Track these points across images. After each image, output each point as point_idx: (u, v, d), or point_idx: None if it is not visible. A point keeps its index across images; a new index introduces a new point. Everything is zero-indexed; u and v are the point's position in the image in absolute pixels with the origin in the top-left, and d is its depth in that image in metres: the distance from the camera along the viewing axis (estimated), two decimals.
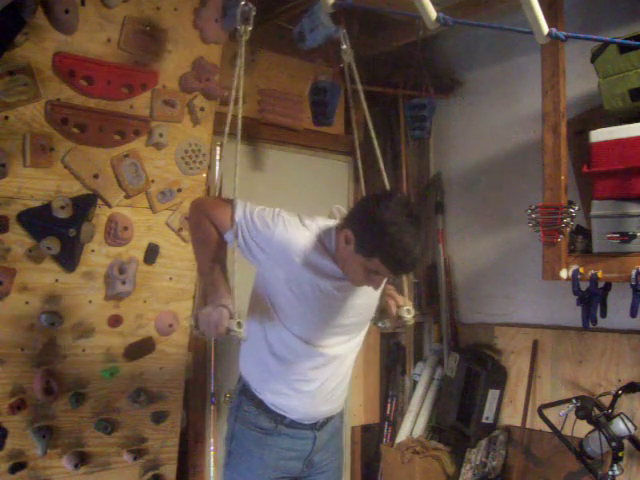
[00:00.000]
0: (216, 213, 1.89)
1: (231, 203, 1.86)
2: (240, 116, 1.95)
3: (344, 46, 2.30)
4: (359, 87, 2.23)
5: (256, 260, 1.87)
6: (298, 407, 1.96)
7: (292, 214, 1.88)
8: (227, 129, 1.97)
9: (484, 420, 3.33)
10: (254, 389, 1.98)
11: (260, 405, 1.97)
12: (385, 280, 1.94)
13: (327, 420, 2.05)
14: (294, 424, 1.97)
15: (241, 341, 1.89)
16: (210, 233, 1.89)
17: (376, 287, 1.86)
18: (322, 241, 1.84)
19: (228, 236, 1.86)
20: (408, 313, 2.02)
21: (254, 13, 2.01)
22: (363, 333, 2.08)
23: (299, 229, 1.84)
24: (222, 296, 1.84)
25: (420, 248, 1.75)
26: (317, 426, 2.02)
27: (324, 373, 1.96)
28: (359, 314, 1.98)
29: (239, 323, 1.79)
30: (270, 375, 1.95)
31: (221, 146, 3.11)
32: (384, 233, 1.69)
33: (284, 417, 1.96)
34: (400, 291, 2.13)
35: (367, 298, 1.97)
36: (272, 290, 1.90)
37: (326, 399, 2.00)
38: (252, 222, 1.83)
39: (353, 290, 1.90)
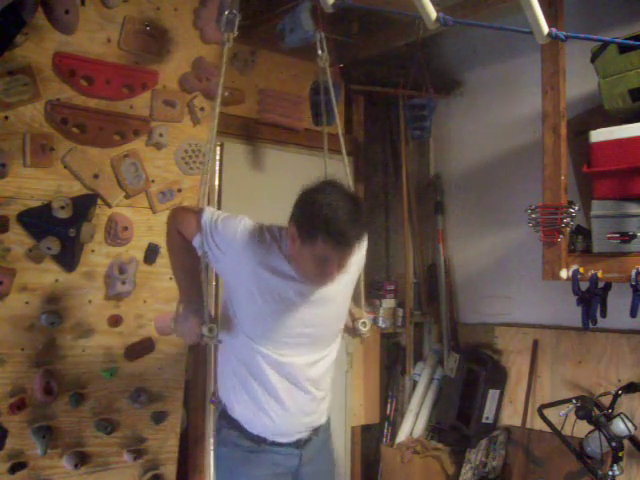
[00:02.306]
0: (184, 223, 1.97)
1: (199, 211, 1.92)
2: (217, 113, 2.04)
3: (320, 52, 2.29)
4: (332, 95, 2.28)
5: (218, 263, 1.90)
6: (275, 426, 1.91)
7: (254, 221, 1.92)
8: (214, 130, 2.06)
9: (484, 420, 3.33)
10: (230, 410, 1.95)
11: (238, 428, 1.93)
12: (344, 274, 1.88)
13: (310, 437, 1.99)
14: (276, 444, 1.93)
15: (217, 345, 1.94)
16: (177, 242, 1.99)
17: (331, 277, 1.80)
18: (280, 245, 1.86)
19: (195, 242, 1.91)
20: (364, 326, 2.11)
21: (238, 20, 2.07)
22: (334, 347, 2.02)
23: (259, 233, 1.86)
24: (193, 303, 1.94)
25: (361, 221, 1.78)
26: (301, 443, 1.97)
27: (295, 385, 1.91)
28: (321, 324, 1.94)
29: (211, 329, 1.87)
30: (242, 393, 1.91)
31: (221, 146, 3.12)
32: (319, 211, 1.72)
33: (265, 438, 1.92)
34: (358, 304, 2.18)
35: (329, 308, 1.94)
36: (235, 297, 1.91)
37: (303, 412, 1.95)
38: (215, 225, 1.88)
39: (312, 297, 1.88)
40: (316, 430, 2.01)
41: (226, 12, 2.07)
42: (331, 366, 2.03)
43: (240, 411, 1.93)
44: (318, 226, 1.72)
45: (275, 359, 1.88)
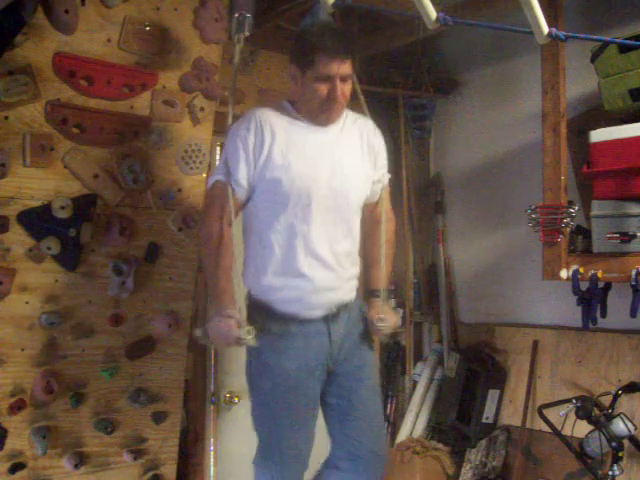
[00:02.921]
0: (208, 209, 2.05)
1: (210, 186, 2.06)
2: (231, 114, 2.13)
3: None
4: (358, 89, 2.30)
5: (255, 173, 1.99)
6: (302, 301, 1.99)
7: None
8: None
9: (484, 420, 3.33)
10: (260, 294, 2.02)
11: (268, 311, 2.00)
12: (348, 87, 2.00)
13: (338, 312, 2.04)
14: (305, 322, 1.99)
15: (250, 344, 1.94)
16: (218, 238, 1.99)
17: (339, 100, 1.96)
18: (279, 106, 2.07)
19: (233, 185, 1.99)
20: (380, 321, 2.12)
21: (250, 22, 2.16)
22: (354, 231, 2.11)
23: (248, 112, 2.04)
24: (227, 306, 1.92)
25: (350, 32, 2.14)
26: (330, 318, 2.02)
27: (319, 260, 1.99)
28: (339, 185, 2.02)
29: (248, 330, 1.88)
30: (271, 275, 1.99)
31: (221, 146, 3.12)
32: (309, 36, 1.95)
33: (292, 317, 1.98)
34: (385, 304, 2.20)
35: (344, 165, 2.04)
36: (272, 188, 1.98)
37: (328, 287, 2.02)
38: (225, 156, 2.02)
39: (325, 145, 2.02)
40: (345, 306, 2.07)
41: (236, 15, 2.12)
42: (354, 251, 2.11)
43: (270, 291, 2.00)
44: (311, 46, 1.91)
45: (302, 232, 1.97)
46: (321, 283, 2.00)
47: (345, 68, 1.93)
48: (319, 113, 1.99)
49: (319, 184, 1.98)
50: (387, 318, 2.13)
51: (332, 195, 2.00)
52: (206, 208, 2.08)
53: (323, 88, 1.93)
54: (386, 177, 2.24)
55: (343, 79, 1.94)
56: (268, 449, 2.08)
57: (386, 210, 2.25)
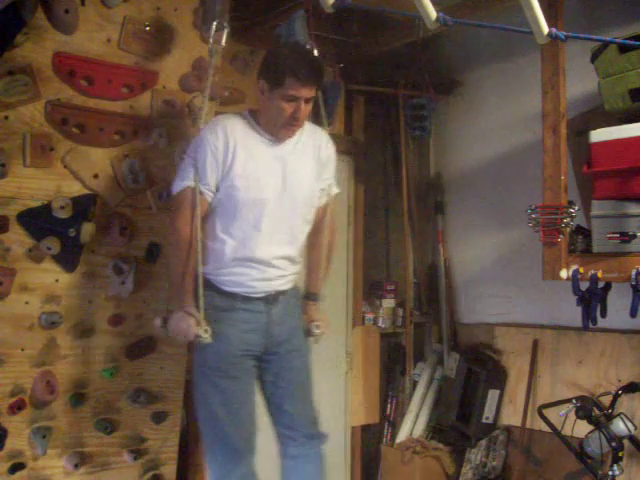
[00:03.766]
0: (178, 213, 2.16)
1: (177, 193, 2.17)
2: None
3: None
4: (324, 116, 2.42)
5: (217, 180, 2.13)
6: (246, 287, 2.16)
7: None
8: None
9: (484, 420, 3.34)
10: (211, 277, 2.18)
11: (215, 289, 2.17)
12: (308, 107, 2.13)
13: (277, 296, 2.21)
14: (247, 299, 2.16)
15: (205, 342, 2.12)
16: (182, 240, 2.15)
17: (300, 120, 2.11)
18: (242, 117, 2.19)
19: (202, 189, 2.12)
20: (316, 328, 2.33)
21: (227, 31, 2.25)
22: (299, 241, 2.27)
23: (215, 121, 2.18)
24: (189, 303, 2.13)
25: (319, 59, 2.18)
26: (269, 299, 2.19)
27: (264, 264, 2.17)
28: (290, 196, 2.17)
29: (206, 330, 2.08)
30: (224, 260, 2.16)
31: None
32: (283, 57, 2.08)
33: (236, 295, 2.16)
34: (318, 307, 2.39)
35: (295, 178, 2.18)
36: (230, 195, 2.13)
37: (270, 279, 2.19)
38: (194, 161, 2.12)
39: (280, 158, 2.16)
40: (283, 292, 2.24)
41: (214, 24, 2.16)
42: (296, 256, 2.27)
43: (218, 275, 2.18)
44: (284, 67, 2.03)
45: (251, 237, 2.14)
46: (262, 275, 2.18)
47: (311, 92, 2.09)
48: (279, 129, 2.13)
49: (271, 195, 2.14)
50: (322, 324, 2.34)
51: (282, 206, 2.16)
52: (175, 212, 2.19)
53: (288, 108, 2.07)
54: (332, 189, 2.37)
55: (307, 101, 2.10)
56: (213, 428, 2.20)
57: (329, 220, 2.38)
